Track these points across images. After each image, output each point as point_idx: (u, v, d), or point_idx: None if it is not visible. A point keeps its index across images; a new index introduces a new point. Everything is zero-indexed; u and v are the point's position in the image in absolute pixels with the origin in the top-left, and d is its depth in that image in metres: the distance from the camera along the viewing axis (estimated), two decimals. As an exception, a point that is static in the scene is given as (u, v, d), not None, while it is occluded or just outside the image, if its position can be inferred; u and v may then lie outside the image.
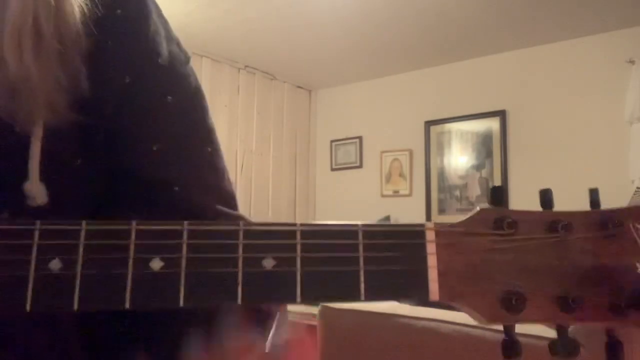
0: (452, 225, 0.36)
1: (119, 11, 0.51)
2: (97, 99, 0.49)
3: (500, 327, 1.35)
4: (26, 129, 0.44)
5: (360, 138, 4.73)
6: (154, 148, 0.52)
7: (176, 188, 0.52)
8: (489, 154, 4.04)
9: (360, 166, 4.69)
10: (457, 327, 1.39)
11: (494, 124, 4.01)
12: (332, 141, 4.92)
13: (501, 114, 3.97)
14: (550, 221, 0.37)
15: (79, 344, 0.51)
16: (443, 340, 1.40)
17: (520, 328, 1.46)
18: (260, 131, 4.55)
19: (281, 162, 4.73)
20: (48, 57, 0.45)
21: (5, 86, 0.42)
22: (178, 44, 0.57)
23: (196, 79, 0.58)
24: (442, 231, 0.36)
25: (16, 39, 0.43)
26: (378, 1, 3.25)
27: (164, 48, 0.54)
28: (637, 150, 3.35)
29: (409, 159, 4.42)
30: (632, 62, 3.43)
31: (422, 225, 0.36)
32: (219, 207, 0.54)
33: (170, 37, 0.56)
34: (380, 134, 4.60)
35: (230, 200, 0.56)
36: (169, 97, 0.53)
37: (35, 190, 0.44)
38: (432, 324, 1.43)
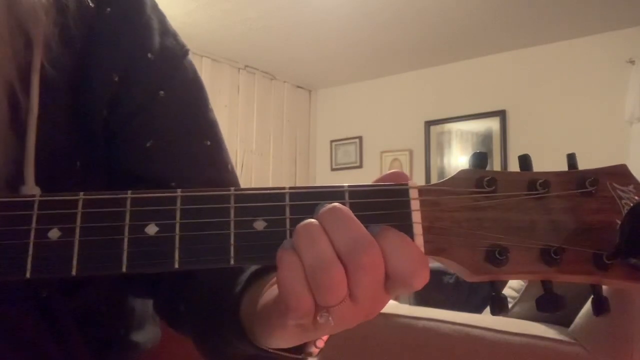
0: (434, 184, 0.37)
1: (108, 9, 0.51)
2: (90, 101, 0.49)
3: (500, 327, 1.36)
4: (20, 131, 0.44)
5: (360, 138, 4.73)
6: (148, 145, 0.51)
7: (173, 184, 0.51)
8: (489, 154, 4.03)
9: (360, 166, 4.70)
10: (457, 327, 1.39)
11: (494, 124, 4.02)
12: (332, 141, 4.92)
13: (501, 114, 3.97)
14: (529, 180, 0.37)
15: (79, 343, 0.51)
16: (443, 340, 1.40)
17: (520, 328, 1.45)
18: (260, 131, 4.55)
19: (281, 162, 4.73)
20: None
21: None
22: (175, 37, 0.56)
23: (195, 72, 0.57)
24: (426, 189, 0.37)
25: None
26: (378, 1, 3.25)
27: (155, 42, 0.53)
28: (637, 150, 3.35)
29: (409, 159, 4.42)
30: (632, 62, 3.44)
31: (406, 184, 0.37)
32: None
33: (166, 31, 0.55)
34: (380, 134, 4.60)
35: None
36: (161, 92, 0.52)
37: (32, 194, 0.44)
38: (432, 324, 1.43)
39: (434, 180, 4.28)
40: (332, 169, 4.89)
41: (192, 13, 3.40)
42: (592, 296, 0.38)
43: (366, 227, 0.34)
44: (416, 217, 0.36)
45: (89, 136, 0.50)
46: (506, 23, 3.51)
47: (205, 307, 0.49)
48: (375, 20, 3.50)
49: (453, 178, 0.38)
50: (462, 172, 0.38)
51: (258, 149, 4.52)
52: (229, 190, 0.35)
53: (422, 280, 0.33)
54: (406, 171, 4.34)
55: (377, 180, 0.38)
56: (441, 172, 4.26)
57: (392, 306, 1.62)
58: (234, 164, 0.60)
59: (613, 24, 3.46)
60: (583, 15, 3.37)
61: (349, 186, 0.37)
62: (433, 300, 2.46)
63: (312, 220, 0.34)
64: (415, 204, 0.36)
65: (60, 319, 0.49)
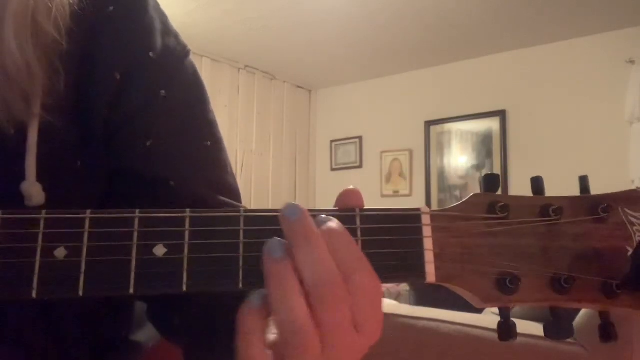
0: (446, 209, 0.37)
1: (111, 8, 0.50)
2: (91, 100, 0.49)
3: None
4: (21, 128, 0.43)
5: (360, 138, 4.73)
6: (148, 144, 0.51)
7: (172, 183, 0.50)
8: (489, 154, 4.04)
9: (360, 166, 4.69)
10: (457, 327, 1.39)
11: (494, 124, 4.02)
12: (332, 141, 4.92)
13: (501, 114, 3.97)
14: (542, 205, 0.37)
15: (79, 344, 0.51)
16: (443, 340, 1.40)
17: (520, 328, 1.45)
18: (260, 131, 4.55)
19: (281, 162, 4.73)
20: (42, 50, 0.43)
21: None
22: (176, 38, 0.56)
23: (196, 72, 0.56)
24: (437, 215, 0.36)
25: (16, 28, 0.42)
26: (378, 1, 3.25)
27: (157, 42, 0.52)
28: (637, 150, 3.35)
29: (409, 159, 4.42)
30: (632, 62, 3.43)
31: (418, 209, 0.36)
32: (222, 198, 0.52)
33: (168, 31, 0.55)
34: (380, 134, 4.60)
35: (233, 194, 0.54)
36: (162, 92, 0.52)
37: (32, 190, 0.44)
38: (432, 324, 1.43)
39: (434, 180, 4.28)
40: (332, 169, 4.89)
41: (192, 13, 3.40)
42: (599, 322, 0.38)
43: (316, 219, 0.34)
44: (428, 243, 0.35)
45: (89, 136, 0.49)
46: (506, 23, 3.51)
47: (202, 323, 0.48)
48: (375, 20, 3.50)
49: (465, 203, 0.37)
50: (475, 196, 0.38)
51: (258, 149, 4.52)
52: (239, 212, 0.35)
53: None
54: (406, 171, 4.35)
55: (336, 203, 0.37)
56: (441, 172, 4.26)
57: (392, 306, 1.62)
58: (234, 164, 0.60)
59: (613, 24, 3.46)
60: (583, 15, 3.37)
61: (361, 210, 0.36)
62: (433, 300, 2.46)
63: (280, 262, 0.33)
64: (427, 231, 0.36)
65: (60, 321, 0.49)
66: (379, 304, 0.33)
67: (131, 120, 0.51)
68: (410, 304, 2.68)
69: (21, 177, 0.44)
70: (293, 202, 0.34)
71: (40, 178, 0.44)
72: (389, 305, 1.66)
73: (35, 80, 0.43)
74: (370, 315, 0.33)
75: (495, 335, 0.36)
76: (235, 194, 0.55)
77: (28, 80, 0.43)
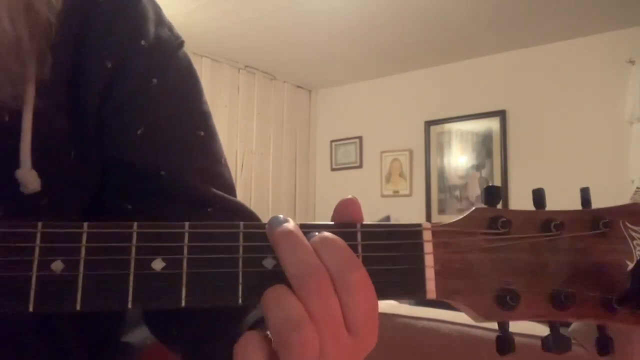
0: (448, 224, 0.36)
1: None
2: (84, 90, 0.48)
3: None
4: (14, 116, 0.43)
5: (360, 138, 4.73)
6: (139, 132, 0.50)
7: (163, 173, 0.50)
8: (489, 154, 4.04)
9: (360, 166, 4.69)
10: (457, 327, 1.39)
11: (494, 124, 4.01)
12: (332, 141, 4.92)
13: (501, 114, 3.97)
14: (544, 220, 0.37)
15: (73, 343, 0.51)
16: (443, 340, 1.40)
17: (520, 328, 1.45)
18: (260, 131, 4.55)
19: (281, 162, 4.73)
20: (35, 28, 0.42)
21: None
22: (170, 29, 0.55)
23: (189, 63, 0.55)
24: (439, 231, 0.36)
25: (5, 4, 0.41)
26: (378, 1, 3.25)
27: (150, 31, 0.51)
28: (637, 150, 3.35)
29: (409, 159, 4.42)
30: (632, 62, 3.43)
31: (419, 225, 0.36)
32: (215, 190, 0.51)
33: (161, 22, 0.54)
34: (380, 134, 4.60)
35: (227, 186, 0.53)
36: (154, 80, 0.51)
37: (28, 177, 0.43)
38: (432, 324, 1.43)
39: (434, 180, 4.28)
40: (332, 169, 4.89)
41: (192, 13, 3.40)
42: (597, 336, 0.38)
43: (308, 237, 0.33)
44: (429, 260, 0.35)
45: (82, 125, 0.49)
46: (506, 23, 3.51)
47: (200, 333, 0.48)
48: (375, 20, 3.50)
49: (466, 217, 0.37)
50: (476, 210, 0.37)
51: (258, 149, 4.52)
52: (238, 228, 0.35)
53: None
54: (406, 171, 4.35)
55: (334, 213, 0.36)
56: (441, 172, 4.26)
57: (392, 306, 1.62)
58: (234, 164, 0.59)
59: (613, 24, 3.46)
60: (583, 15, 3.37)
61: (361, 226, 0.36)
62: (433, 300, 2.45)
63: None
64: (428, 247, 0.36)
65: (53, 321, 0.49)
66: (373, 309, 0.33)
67: (122, 109, 0.50)
68: (410, 304, 2.68)
69: (16, 164, 0.43)
70: (279, 215, 0.34)
71: (35, 165, 0.44)
72: (389, 305, 1.65)
73: (25, 60, 0.42)
74: (364, 319, 0.32)
75: (495, 335, 0.36)
76: (229, 187, 0.54)
77: (17, 59, 0.42)
